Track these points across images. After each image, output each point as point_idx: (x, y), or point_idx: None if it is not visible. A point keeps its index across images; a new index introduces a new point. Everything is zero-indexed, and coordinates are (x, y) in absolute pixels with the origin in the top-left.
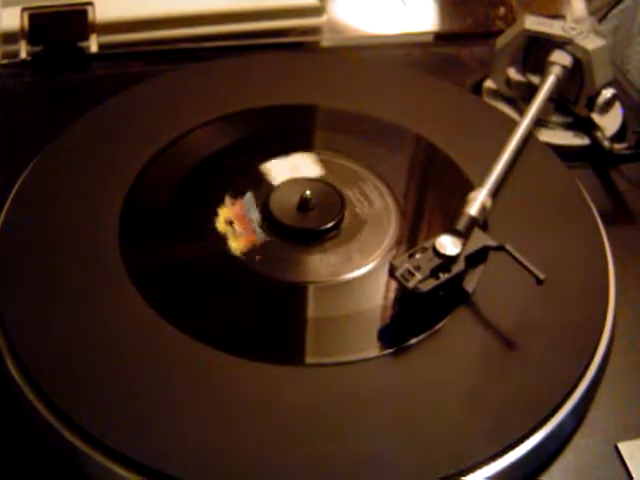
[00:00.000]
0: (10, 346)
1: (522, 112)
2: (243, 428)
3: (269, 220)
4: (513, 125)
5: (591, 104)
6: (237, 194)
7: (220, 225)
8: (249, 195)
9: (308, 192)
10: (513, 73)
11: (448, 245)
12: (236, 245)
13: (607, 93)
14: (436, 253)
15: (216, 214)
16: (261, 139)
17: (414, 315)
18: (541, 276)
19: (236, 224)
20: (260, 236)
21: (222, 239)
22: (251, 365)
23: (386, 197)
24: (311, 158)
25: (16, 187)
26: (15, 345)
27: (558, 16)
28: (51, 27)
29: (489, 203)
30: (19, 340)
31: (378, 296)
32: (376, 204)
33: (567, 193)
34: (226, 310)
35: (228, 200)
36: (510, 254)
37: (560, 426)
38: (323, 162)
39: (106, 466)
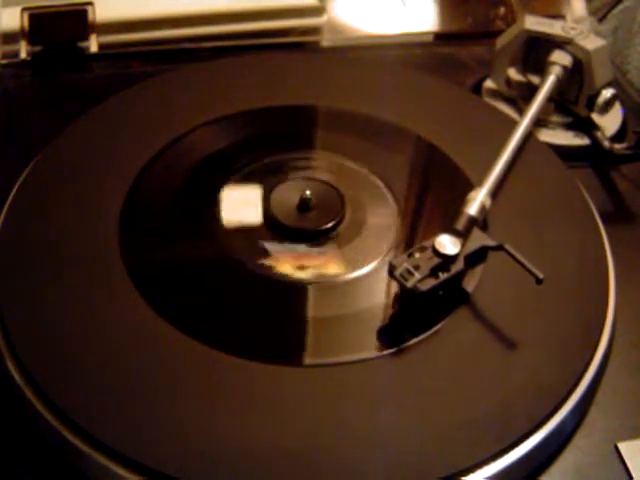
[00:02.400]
0: (10, 346)
1: (522, 112)
2: (243, 428)
3: (269, 220)
4: (513, 125)
5: (591, 104)
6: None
7: None
8: None
9: (308, 192)
10: (513, 73)
11: (447, 244)
12: None
13: (607, 93)
14: (435, 252)
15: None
16: (261, 139)
17: (414, 315)
18: (540, 276)
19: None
20: None
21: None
22: (251, 365)
23: (386, 197)
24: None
25: (16, 187)
26: (15, 345)
27: (558, 16)
28: (51, 27)
29: (489, 203)
30: (19, 340)
31: (378, 296)
32: (376, 204)
33: (567, 193)
34: (226, 310)
35: None
36: (509, 254)
37: (560, 426)
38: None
39: (106, 466)
